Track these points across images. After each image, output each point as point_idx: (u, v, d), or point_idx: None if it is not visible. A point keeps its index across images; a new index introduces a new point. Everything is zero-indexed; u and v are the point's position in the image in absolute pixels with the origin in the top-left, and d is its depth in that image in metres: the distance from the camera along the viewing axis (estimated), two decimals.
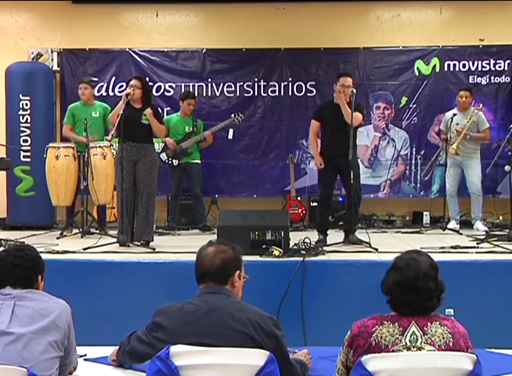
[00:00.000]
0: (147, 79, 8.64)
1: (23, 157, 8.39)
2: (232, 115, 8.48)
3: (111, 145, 7.43)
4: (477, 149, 7.92)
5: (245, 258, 2.85)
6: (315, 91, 9.01)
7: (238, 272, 2.77)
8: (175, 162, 8.14)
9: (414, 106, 8.96)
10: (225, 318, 2.57)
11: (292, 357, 2.84)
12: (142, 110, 6.47)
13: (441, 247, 5.93)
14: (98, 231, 7.29)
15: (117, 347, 2.95)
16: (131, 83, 6.45)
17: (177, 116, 8.36)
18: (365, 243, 6.16)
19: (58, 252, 5.71)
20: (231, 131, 8.83)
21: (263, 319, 2.61)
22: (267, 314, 2.67)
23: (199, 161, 8.31)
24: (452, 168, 7.92)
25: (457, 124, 7.75)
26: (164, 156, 8.13)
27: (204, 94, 9.06)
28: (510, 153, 6.63)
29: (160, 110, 8.38)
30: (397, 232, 8.07)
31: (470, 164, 7.84)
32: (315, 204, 8.68)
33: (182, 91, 8.80)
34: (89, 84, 7.96)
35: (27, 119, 8.45)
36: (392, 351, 2.46)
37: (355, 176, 6.27)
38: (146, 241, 6.34)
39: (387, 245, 6.21)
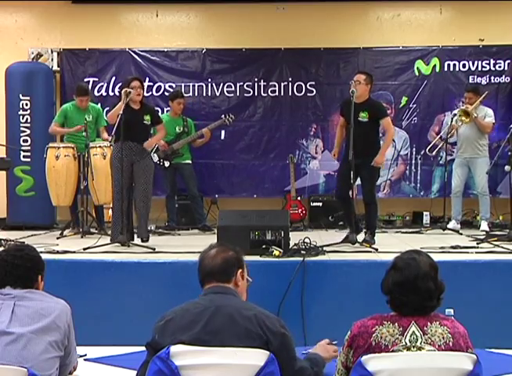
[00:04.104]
0: (147, 79, 8.73)
1: (23, 157, 8.40)
2: (223, 116, 8.46)
3: (111, 145, 7.42)
4: (485, 146, 7.91)
5: (245, 258, 2.86)
6: (315, 91, 9.00)
7: (240, 270, 2.77)
8: (167, 164, 8.09)
9: (414, 106, 8.95)
10: (232, 314, 2.56)
11: (310, 352, 2.83)
12: (140, 110, 6.52)
13: (441, 247, 5.94)
14: (97, 231, 7.30)
15: None
16: (133, 84, 6.43)
17: (167, 116, 8.28)
18: (366, 242, 6.18)
19: (58, 252, 5.72)
20: (223, 132, 8.86)
21: (269, 319, 2.60)
22: (274, 316, 2.67)
23: (190, 162, 8.28)
24: (460, 168, 7.91)
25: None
26: (155, 157, 8.07)
27: (204, 94, 9.04)
28: (510, 153, 6.63)
29: (159, 110, 8.46)
30: (397, 232, 8.07)
31: (479, 162, 7.81)
32: (315, 204, 8.72)
33: (182, 91, 8.79)
34: (88, 94, 7.90)
35: (27, 119, 8.45)
36: (392, 351, 2.46)
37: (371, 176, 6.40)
38: (146, 238, 6.40)
39: (387, 245, 6.21)
